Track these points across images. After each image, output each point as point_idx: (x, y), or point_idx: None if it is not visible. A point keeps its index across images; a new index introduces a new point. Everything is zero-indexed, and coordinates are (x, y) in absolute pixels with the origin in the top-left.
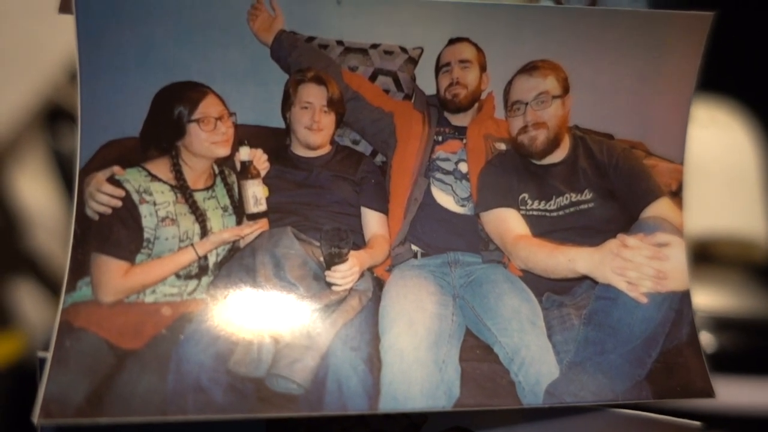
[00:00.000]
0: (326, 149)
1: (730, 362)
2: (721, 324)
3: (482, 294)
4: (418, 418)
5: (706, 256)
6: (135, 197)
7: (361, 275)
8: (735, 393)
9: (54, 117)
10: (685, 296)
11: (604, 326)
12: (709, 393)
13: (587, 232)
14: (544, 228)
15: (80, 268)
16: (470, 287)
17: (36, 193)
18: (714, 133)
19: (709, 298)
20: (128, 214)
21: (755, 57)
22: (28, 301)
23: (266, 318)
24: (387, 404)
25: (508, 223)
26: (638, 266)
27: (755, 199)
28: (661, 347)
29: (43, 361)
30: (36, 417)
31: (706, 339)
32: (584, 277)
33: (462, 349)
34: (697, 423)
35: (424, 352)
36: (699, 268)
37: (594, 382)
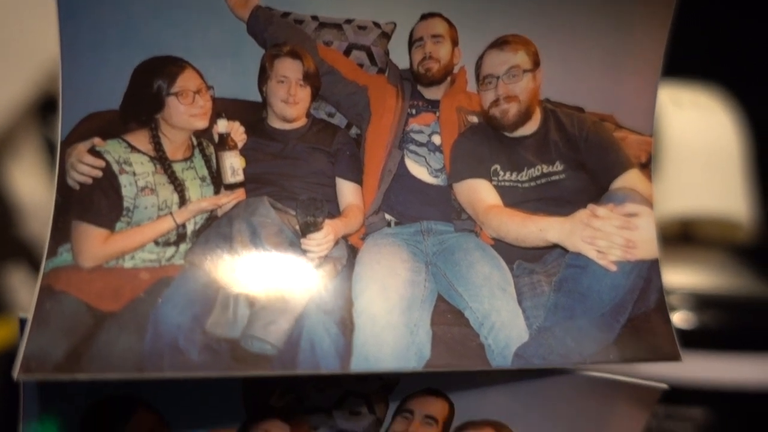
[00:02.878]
0: (302, 122)
1: (710, 339)
2: (701, 302)
3: (454, 261)
4: (391, 379)
5: (688, 235)
6: (115, 167)
7: (336, 243)
8: (716, 369)
9: (48, 108)
10: (653, 265)
11: (573, 293)
12: (676, 357)
13: (558, 202)
14: (515, 198)
15: (61, 235)
16: (443, 255)
17: (30, 183)
18: (695, 115)
19: (690, 277)
20: (108, 183)
21: (734, 40)
22: (22, 288)
23: (242, 283)
24: (359, 364)
25: (480, 194)
26: (608, 235)
27: (737, 180)
28: (629, 314)
29: (24, 321)
30: (16, 373)
31: (687, 317)
32: (555, 246)
33: (433, 314)
34: (662, 385)
35: (396, 316)
36: (680, 247)
37: (562, 346)
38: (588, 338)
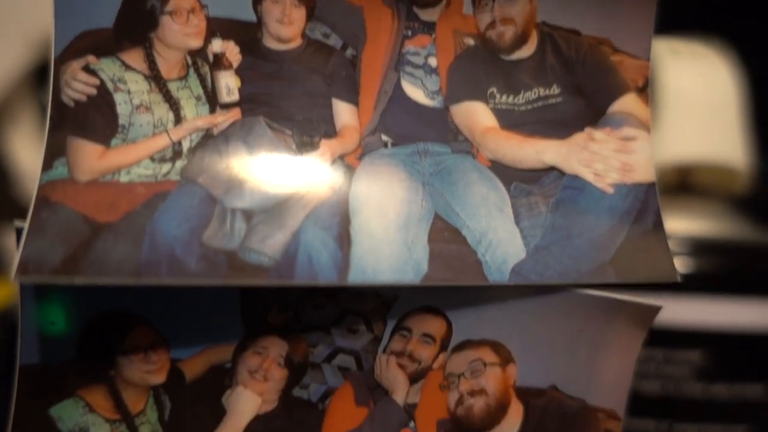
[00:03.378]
0: (297, 42)
1: (708, 283)
2: (698, 246)
3: (451, 182)
4: (389, 297)
5: (685, 184)
6: (109, 85)
7: (332, 163)
8: (714, 312)
9: (44, 74)
10: (650, 187)
11: (570, 214)
12: (673, 277)
13: (555, 125)
14: (512, 121)
15: (56, 149)
16: (439, 175)
17: (28, 148)
18: (693, 63)
19: (688, 224)
20: (103, 101)
21: None
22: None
23: (238, 198)
24: (356, 277)
25: (476, 116)
26: (605, 159)
27: (735, 128)
28: (626, 234)
29: (20, 230)
30: (13, 274)
31: (684, 261)
32: (552, 168)
33: (430, 231)
34: (657, 305)
35: (394, 232)
36: (678, 196)
37: (560, 264)
38: (585, 257)
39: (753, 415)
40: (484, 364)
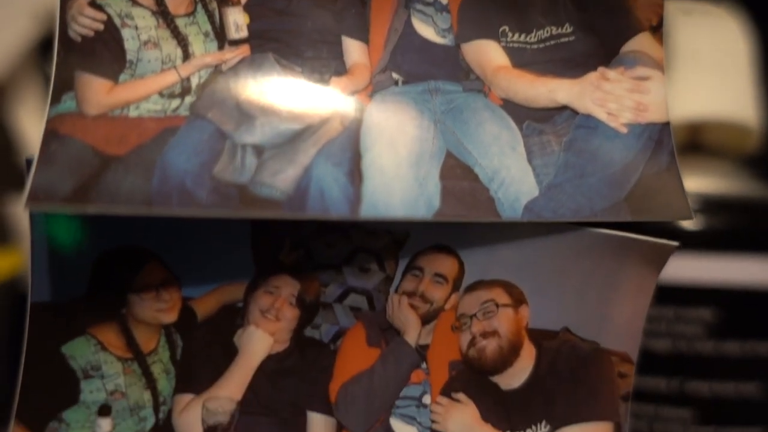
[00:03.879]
0: None
1: (719, 241)
2: (710, 204)
3: (463, 120)
4: (401, 234)
5: (697, 142)
6: (116, 21)
7: (343, 100)
8: (725, 269)
9: (49, 45)
10: (665, 127)
11: (583, 152)
12: (688, 215)
13: (567, 64)
14: (524, 60)
15: (64, 84)
16: (451, 114)
17: (32, 119)
18: (705, 22)
19: (699, 182)
20: (110, 36)
21: None
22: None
23: (249, 134)
24: (368, 211)
25: (488, 54)
26: (618, 98)
27: (747, 86)
28: (640, 174)
29: (30, 161)
30: (24, 202)
31: (695, 218)
32: (564, 107)
33: (442, 169)
34: (673, 243)
35: (405, 169)
36: (689, 154)
37: (573, 202)
38: (598, 195)
39: (765, 372)
40: (497, 306)
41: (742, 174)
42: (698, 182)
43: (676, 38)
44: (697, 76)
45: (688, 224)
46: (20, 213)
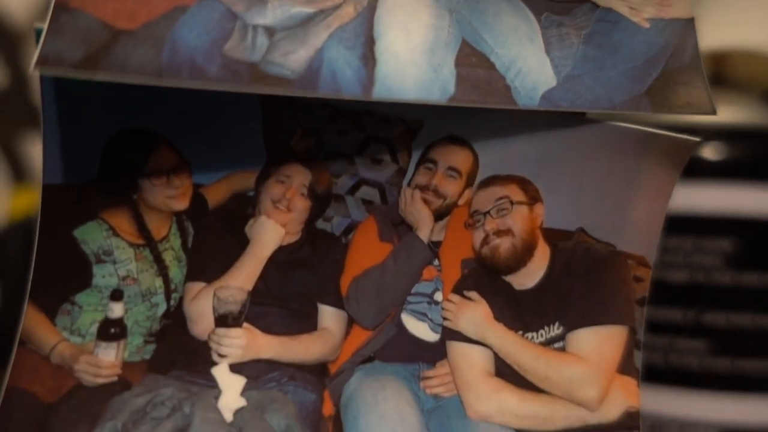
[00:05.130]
0: None
1: (740, 170)
2: (732, 133)
3: (480, 10)
4: (414, 123)
5: (721, 71)
6: None
7: None
8: (745, 199)
9: None
10: (688, 23)
11: (604, 46)
12: (710, 110)
13: None
14: None
15: None
16: (467, 3)
17: None
18: None
19: (723, 112)
20: None
21: None
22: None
23: (260, 16)
24: (381, 93)
25: None
26: None
27: None
28: (662, 68)
29: (39, 31)
30: (33, 66)
31: (717, 147)
32: (585, 0)
33: (458, 56)
34: (695, 138)
35: (419, 55)
36: (714, 84)
37: (591, 93)
38: (618, 88)
39: None
40: (511, 203)
41: (764, 103)
42: (720, 112)
43: None
44: (723, 7)
45: (708, 153)
46: (33, 152)
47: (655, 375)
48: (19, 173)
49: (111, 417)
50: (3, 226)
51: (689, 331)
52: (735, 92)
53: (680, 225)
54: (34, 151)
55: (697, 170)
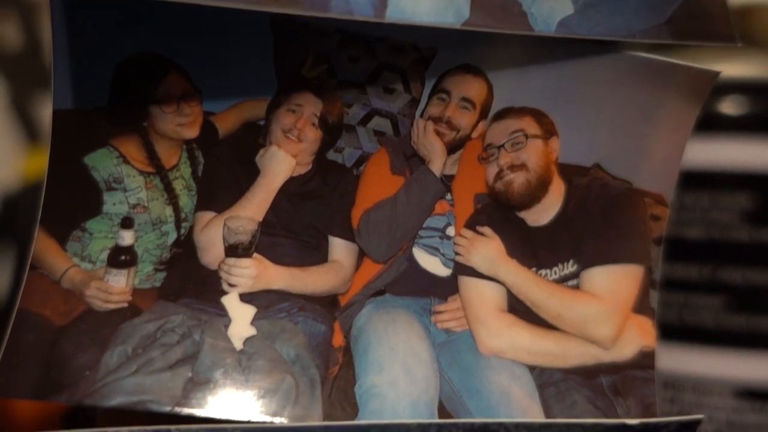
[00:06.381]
0: None
1: (759, 125)
2: (752, 88)
3: None
4: (428, 51)
5: (745, 26)
6: None
7: None
8: (763, 154)
9: None
10: None
11: None
12: (732, 39)
13: None
14: None
15: None
16: None
17: None
18: None
19: (743, 67)
20: None
21: None
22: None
23: None
24: (393, 15)
25: None
26: None
27: None
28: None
29: None
30: None
31: (737, 101)
32: None
33: None
34: (715, 70)
35: None
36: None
37: (609, 21)
38: (638, 17)
39: None
40: (526, 136)
41: None
42: (741, 67)
43: None
44: None
45: (726, 107)
46: (49, 114)
47: (669, 332)
48: (32, 135)
49: (121, 342)
50: (17, 188)
51: (705, 287)
52: (755, 47)
53: (697, 180)
54: (48, 114)
55: (714, 124)
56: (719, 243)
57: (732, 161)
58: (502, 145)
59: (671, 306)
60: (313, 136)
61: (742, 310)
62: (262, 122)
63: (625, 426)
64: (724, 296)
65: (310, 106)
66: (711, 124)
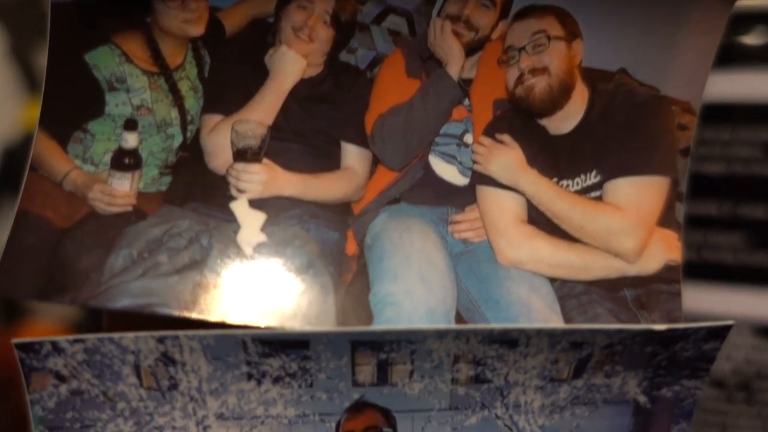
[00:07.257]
0: None
1: None
2: None
3: None
4: None
5: None
6: None
7: None
8: None
9: None
10: None
11: None
12: None
13: None
14: None
15: None
16: None
17: None
18: None
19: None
20: None
21: None
22: None
23: None
24: None
25: None
26: None
27: None
28: None
29: None
30: None
31: (757, 33)
32: None
33: None
34: None
35: None
36: None
37: None
38: None
39: None
40: (548, 38)
41: None
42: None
43: None
44: None
45: (748, 38)
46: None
47: (688, 271)
48: (33, 84)
49: (126, 245)
50: (17, 137)
51: (725, 224)
52: None
53: (717, 114)
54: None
55: (735, 56)
56: (740, 178)
57: (753, 93)
58: (524, 48)
59: (691, 244)
60: (324, 35)
61: (763, 246)
62: (271, 19)
63: (651, 332)
64: (746, 233)
65: (321, 3)
66: (731, 55)
